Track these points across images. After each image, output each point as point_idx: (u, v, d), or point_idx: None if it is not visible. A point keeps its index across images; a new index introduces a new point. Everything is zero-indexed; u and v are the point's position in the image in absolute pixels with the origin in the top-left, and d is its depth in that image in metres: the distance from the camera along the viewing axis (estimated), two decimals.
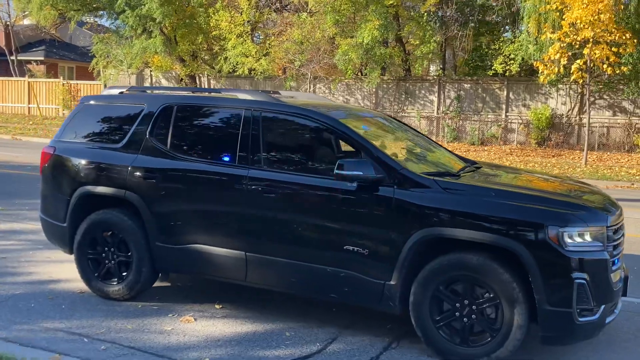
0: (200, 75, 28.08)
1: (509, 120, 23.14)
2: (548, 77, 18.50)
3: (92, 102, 6.08)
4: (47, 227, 6.01)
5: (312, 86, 24.47)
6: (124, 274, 5.53)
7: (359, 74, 25.09)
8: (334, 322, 5.19)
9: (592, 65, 17.78)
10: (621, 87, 21.12)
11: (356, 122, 5.30)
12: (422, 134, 6.42)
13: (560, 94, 22.48)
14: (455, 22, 23.20)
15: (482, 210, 4.33)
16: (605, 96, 21.84)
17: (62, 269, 6.42)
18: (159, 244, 5.34)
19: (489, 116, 23.38)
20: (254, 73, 24.78)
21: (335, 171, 4.60)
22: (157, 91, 6.17)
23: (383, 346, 4.77)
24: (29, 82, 30.81)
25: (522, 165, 18.29)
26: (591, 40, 17.19)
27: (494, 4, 23.96)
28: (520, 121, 22.96)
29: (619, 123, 21.58)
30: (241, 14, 24.80)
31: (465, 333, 4.44)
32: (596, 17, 16.99)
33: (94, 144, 5.77)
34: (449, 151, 6.12)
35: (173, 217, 5.28)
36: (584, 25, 17.15)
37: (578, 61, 17.63)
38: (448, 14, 23.55)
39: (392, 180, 4.58)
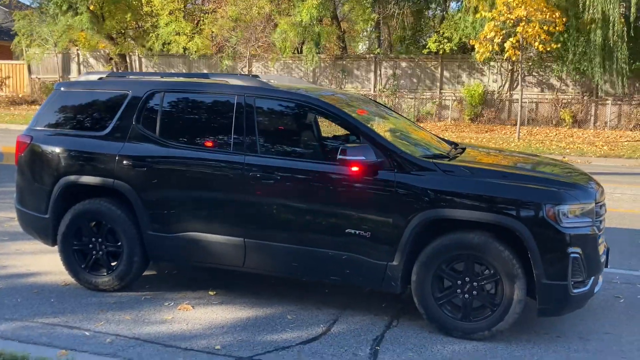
0: (131, 54, 27.22)
1: (444, 98, 23.75)
2: (483, 55, 19.11)
3: (68, 88, 5.84)
4: (24, 219, 5.77)
5: (249, 65, 24.21)
6: (114, 264, 5.43)
7: (296, 52, 25.02)
8: (330, 304, 5.28)
9: (524, 43, 18.47)
10: (549, 64, 22.04)
11: (347, 106, 5.35)
12: (400, 114, 6.55)
13: (492, 72, 23.24)
14: (391, 1, 23.48)
15: (484, 192, 4.49)
16: (534, 73, 22.75)
17: (39, 261, 6.21)
18: (151, 233, 5.25)
19: (425, 94, 23.90)
20: (188, 52, 24.25)
21: (339, 156, 4.66)
22: (135, 77, 5.98)
23: (385, 324, 4.91)
24: None
25: (458, 140, 18.85)
26: (524, 18, 17.84)
27: None
28: (454, 98, 23.60)
29: (547, 99, 22.56)
30: None
31: (467, 309, 4.63)
32: None
33: (74, 132, 5.57)
34: (428, 132, 6.28)
35: (166, 205, 5.20)
36: (517, 4, 17.78)
37: (511, 39, 18.29)
38: None
39: (393, 164, 4.68)
